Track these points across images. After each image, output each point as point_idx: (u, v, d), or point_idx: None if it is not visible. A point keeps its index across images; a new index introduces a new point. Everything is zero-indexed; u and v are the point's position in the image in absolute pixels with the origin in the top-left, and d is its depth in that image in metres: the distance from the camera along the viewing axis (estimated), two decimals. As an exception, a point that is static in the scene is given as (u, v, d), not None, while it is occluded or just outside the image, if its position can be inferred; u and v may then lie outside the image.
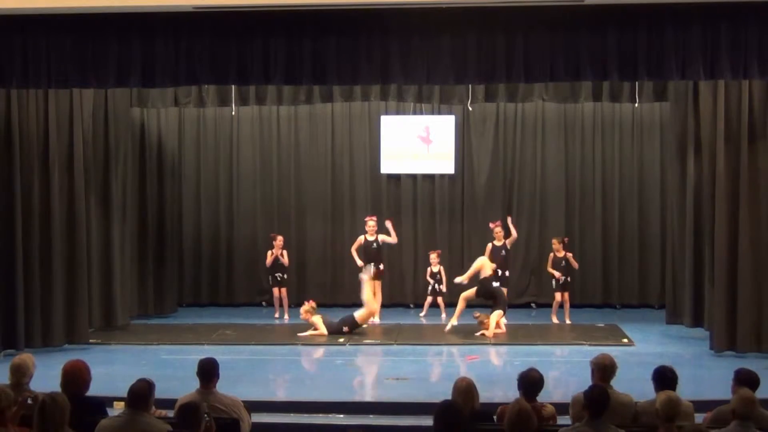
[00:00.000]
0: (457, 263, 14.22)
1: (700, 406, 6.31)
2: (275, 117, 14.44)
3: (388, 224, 12.99)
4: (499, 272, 12.59)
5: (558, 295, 12.69)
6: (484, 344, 11.24)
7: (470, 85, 12.98)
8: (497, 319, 11.64)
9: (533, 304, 13.83)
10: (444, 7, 9.28)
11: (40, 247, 10.78)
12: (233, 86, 12.90)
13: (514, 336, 11.74)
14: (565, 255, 12.69)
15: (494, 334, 11.53)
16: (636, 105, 13.56)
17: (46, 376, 6.60)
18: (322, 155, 14.42)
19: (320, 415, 8.29)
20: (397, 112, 14.24)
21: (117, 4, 9.27)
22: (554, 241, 12.84)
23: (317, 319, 11.77)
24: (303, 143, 14.45)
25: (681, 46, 9.22)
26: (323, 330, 11.65)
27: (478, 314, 11.91)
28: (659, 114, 13.85)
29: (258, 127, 14.48)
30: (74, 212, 11.13)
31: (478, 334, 11.58)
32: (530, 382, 6.05)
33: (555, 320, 12.66)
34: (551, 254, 12.79)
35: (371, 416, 8.19)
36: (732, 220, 10.39)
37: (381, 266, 12.93)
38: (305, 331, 11.76)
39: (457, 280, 12.19)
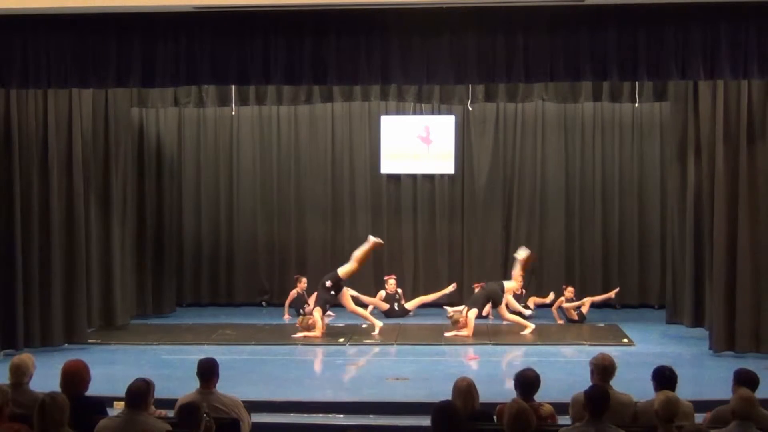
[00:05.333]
0: (457, 263, 14.24)
1: (700, 406, 6.31)
2: (275, 117, 14.44)
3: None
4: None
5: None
6: (484, 344, 11.25)
7: (470, 85, 12.98)
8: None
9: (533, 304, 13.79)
10: (444, 7, 9.28)
11: (40, 246, 10.78)
12: (233, 86, 12.90)
13: (514, 336, 11.74)
14: (572, 299, 12.77)
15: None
16: (636, 105, 13.56)
17: (46, 376, 6.60)
18: (322, 155, 14.42)
19: (320, 415, 8.29)
20: (397, 112, 14.23)
21: (117, 4, 9.27)
22: (570, 289, 12.82)
23: (317, 313, 11.67)
24: (303, 143, 14.45)
25: (681, 46, 9.21)
26: (319, 328, 11.61)
27: (451, 313, 11.96)
28: (659, 114, 13.85)
29: (258, 127, 14.48)
30: (73, 212, 11.13)
31: (449, 334, 11.58)
32: (526, 382, 6.05)
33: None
34: (561, 298, 12.76)
35: (371, 416, 8.19)
36: (731, 220, 10.39)
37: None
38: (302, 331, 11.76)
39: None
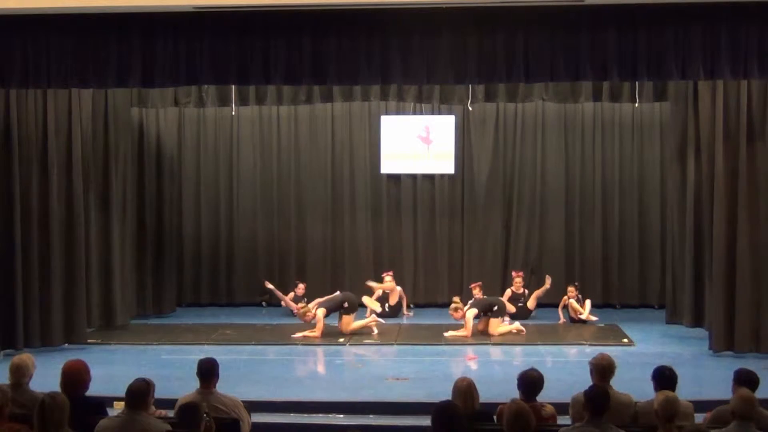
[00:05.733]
0: (457, 263, 14.23)
1: (700, 406, 6.31)
2: (275, 117, 14.43)
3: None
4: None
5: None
6: (484, 344, 11.26)
7: (470, 85, 12.98)
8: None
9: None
10: (444, 7, 9.27)
11: (39, 246, 10.78)
12: (233, 86, 12.90)
13: (514, 336, 11.74)
14: (577, 296, 12.73)
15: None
16: (636, 105, 13.56)
17: (46, 376, 6.60)
18: (322, 155, 14.41)
19: (320, 415, 8.29)
20: (397, 112, 14.23)
21: (117, 4, 9.27)
22: (571, 288, 12.80)
23: (320, 312, 11.70)
24: (303, 143, 14.44)
25: (681, 46, 9.21)
26: (320, 328, 11.61)
27: (457, 300, 12.01)
28: (659, 114, 13.85)
29: (258, 127, 14.48)
30: (73, 212, 11.13)
31: (448, 334, 11.58)
32: (530, 382, 6.06)
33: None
34: (564, 297, 12.77)
35: (371, 416, 8.19)
36: (731, 220, 10.40)
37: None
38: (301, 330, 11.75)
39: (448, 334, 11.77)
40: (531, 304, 13.04)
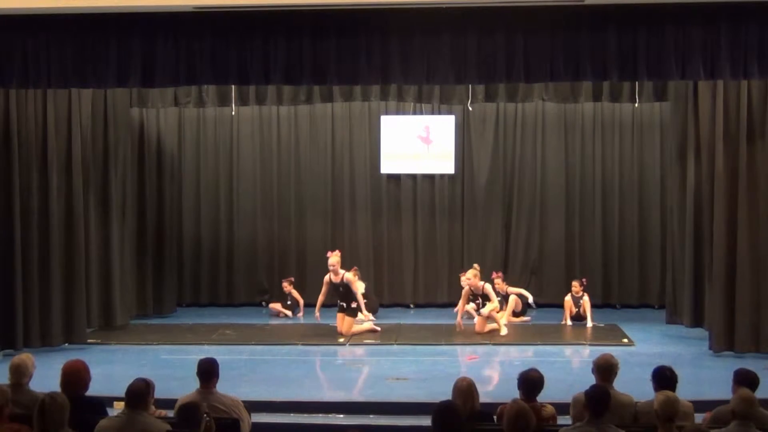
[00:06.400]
0: (457, 263, 14.22)
1: (700, 406, 6.32)
2: (275, 117, 14.43)
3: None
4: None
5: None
6: (484, 344, 11.26)
7: (470, 85, 12.99)
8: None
9: (533, 304, 13.81)
10: (444, 7, 9.28)
11: (39, 246, 10.78)
12: (233, 86, 12.90)
13: (514, 336, 11.74)
14: (582, 295, 12.64)
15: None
16: (636, 105, 13.56)
17: (46, 376, 6.61)
18: (322, 155, 14.41)
19: (320, 415, 8.29)
20: (397, 112, 14.23)
21: (117, 4, 9.27)
22: (575, 283, 12.73)
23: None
24: (303, 143, 14.44)
25: (681, 46, 9.20)
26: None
27: (477, 267, 12.10)
28: (659, 114, 13.85)
29: (258, 127, 14.47)
30: (73, 212, 11.13)
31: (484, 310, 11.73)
32: (530, 382, 6.06)
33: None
34: (569, 293, 12.74)
35: (371, 416, 8.20)
36: (731, 220, 10.40)
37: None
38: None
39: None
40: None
